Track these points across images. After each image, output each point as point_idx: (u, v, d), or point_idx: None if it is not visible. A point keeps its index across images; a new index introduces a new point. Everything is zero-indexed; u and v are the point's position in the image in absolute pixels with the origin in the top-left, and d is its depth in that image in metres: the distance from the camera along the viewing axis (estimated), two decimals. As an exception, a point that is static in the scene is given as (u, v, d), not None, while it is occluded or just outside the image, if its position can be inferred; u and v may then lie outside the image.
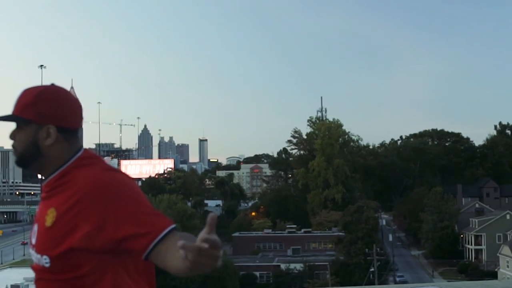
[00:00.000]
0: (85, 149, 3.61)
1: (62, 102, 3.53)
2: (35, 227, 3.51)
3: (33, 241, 3.48)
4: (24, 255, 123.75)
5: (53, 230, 3.34)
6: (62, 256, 3.31)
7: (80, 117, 3.61)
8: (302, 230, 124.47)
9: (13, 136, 3.62)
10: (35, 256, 3.44)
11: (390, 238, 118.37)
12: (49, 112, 3.47)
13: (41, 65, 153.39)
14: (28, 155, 3.55)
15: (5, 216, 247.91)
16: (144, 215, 3.21)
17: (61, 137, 3.49)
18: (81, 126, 3.61)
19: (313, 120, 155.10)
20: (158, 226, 3.16)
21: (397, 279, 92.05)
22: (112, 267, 3.33)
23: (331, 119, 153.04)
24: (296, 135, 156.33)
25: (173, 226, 3.18)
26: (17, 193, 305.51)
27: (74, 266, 3.32)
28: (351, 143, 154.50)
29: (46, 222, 3.39)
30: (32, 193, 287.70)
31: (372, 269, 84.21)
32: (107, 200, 3.24)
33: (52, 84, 3.61)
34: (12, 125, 3.64)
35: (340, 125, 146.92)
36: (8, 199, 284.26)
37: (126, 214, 3.20)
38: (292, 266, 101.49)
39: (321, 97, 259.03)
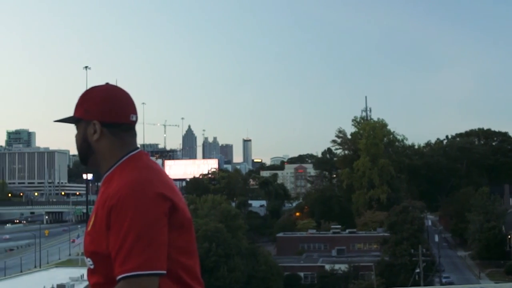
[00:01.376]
0: (140, 150, 3.85)
1: (104, 98, 3.77)
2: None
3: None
4: (70, 254, 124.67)
5: (90, 232, 3.63)
6: (97, 258, 3.58)
7: (124, 111, 3.80)
8: (347, 231, 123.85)
9: (75, 136, 3.91)
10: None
11: (436, 239, 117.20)
12: (92, 108, 3.74)
13: (86, 67, 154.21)
14: (82, 152, 3.87)
15: (47, 217, 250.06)
16: (130, 249, 3.39)
17: (106, 132, 3.76)
18: (128, 121, 3.80)
19: (358, 120, 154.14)
20: (124, 268, 3.39)
21: (443, 280, 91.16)
22: None
23: (375, 119, 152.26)
24: (341, 135, 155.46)
25: (137, 273, 3.36)
26: (63, 193, 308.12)
27: (109, 270, 3.52)
28: (396, 143, 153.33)
29: (89, 224, 3.67)
30: (78, 193, 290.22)
31: (417, 270, 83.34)
32: (119, 215, 3.46)
33: (106, 83, 3.88)
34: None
35: (385, 125, 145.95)
36: (54, 200, 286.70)
37: (120, 237, 3.43)
38: (336, 266, 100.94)
39: (366, 97, 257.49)
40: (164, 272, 3.45)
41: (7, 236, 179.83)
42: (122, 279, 3.39)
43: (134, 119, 3.85)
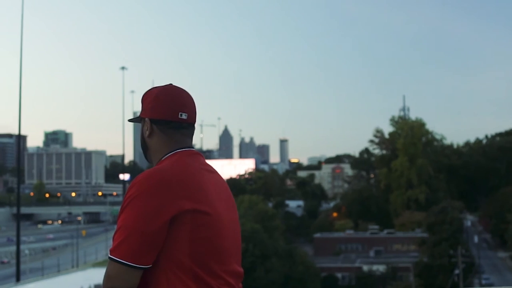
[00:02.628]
0: (186, 149, 3.97)
1: (155, 96, 3.97)
2: None
3: None
4: (107, 254, 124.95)
5: None
6: None
7: (173, 109, 3.92)
8: (385, 231, 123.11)
9: None
10: None
11: (476, 240, 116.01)
12: (146, 106, 4.00)
13: (123, 67, 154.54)
14: (142, 148, 4.12)
15: (79, 217, 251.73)
16: (119, 229, 3.60)
17: (156, 128, 3.95)
18: (177, 119, 3.92)
19: (396, 119, 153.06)
20: (112, 246, 3.61)
21: (483, 281, 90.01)
22: (166, 268, 3.64)
23: (414, 118, 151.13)
24: (378, 135, 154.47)
25: (109, 256, 3.58)
26: (100, 193, 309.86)
27: None
28: (435, 143, 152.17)
29: None
30: (115, 193, 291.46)
31: (456, 272, 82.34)
32: (128, 193, 3.66)
33: (170, 84, 4.09)
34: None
35: (423, 124, 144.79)
36: (91, 200, 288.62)
37: (120, 215, 3.64)
38: (374, 267, 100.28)
39: (404, 96, 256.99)
40: (138, 266, 3.53)
41: (51, 236, 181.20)
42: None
43: (184, 117, 3.94)
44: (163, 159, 3.93)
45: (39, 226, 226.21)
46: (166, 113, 3.93)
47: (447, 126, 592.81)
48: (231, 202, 4.03)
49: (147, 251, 3.54)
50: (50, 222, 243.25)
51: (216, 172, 4.07)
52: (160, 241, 3.58)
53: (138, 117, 4.11)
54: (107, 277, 3.58)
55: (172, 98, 3.96)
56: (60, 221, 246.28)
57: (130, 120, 4.31)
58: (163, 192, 3.59)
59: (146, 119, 3.98)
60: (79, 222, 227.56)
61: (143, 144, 4.08)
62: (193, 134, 4.09)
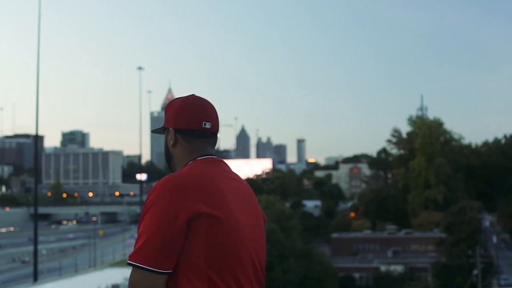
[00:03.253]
0: (208, 157, 4.06)
1: (179, 106, 4.07)
2: None
3: None
4: (124, 254, 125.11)
5: None
6: None
7: (196, 119, 4.03)
8: (403, 231, 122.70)
9: None
10: None
11: (494, 240, 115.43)
12: (170, 116, 4.09)
13: (139, 67, 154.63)
14: (166, 158, 4.20)
15: (95, 218, 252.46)
16: (140, 236, 3.61)
17: (180, 138, 4.05)
18: (201, 128, 4.03)
19: (413, 119, 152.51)
20: (133, 251, 3.61)
21: (502, 282, 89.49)
22: (183, 274, 3.66)
23: (431, 118, 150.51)
24: (396, 134, 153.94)
25: (129, 262, 3.58)
26: (117, 193, 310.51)
27: None
28: (453, 142, 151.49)
29: None
30: (132, 193, 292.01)
31: (475, 272, 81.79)
32: (147, 199, 3.72)
33: (192, 95, 4.15)
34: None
35: (441, 124, 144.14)
36: (108, 200, 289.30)
37: (141, 222, 3.68)
38: (392, 268, 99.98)
39: (422, 95, 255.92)
40: (158, 270, 3.54)
41: (71, 235, 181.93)
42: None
43: (207, 126, 4.05)
44: (184, 166, 4.00)
45: (53, 226, 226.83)
46: (190, 123, 4.03)
47: (465, 126, 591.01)
48: (254, 210, 4.12)
49: (167, 255, 3.55)
50: (64, 222, 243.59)
51: (240, 180, 4.16)
52: (179, 245, 3.60)
53: (161, 127, 4.19)
54: (130, 283, 3.58)
55: (195, 108, 4.06)
56: (74, 221, 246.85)
57: (153, 131, 4.37)
58: (180, 195, 3.63)
59: (170, 129, 4.07)
60: (95, 222, 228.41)
61: (167, 153, 4.16)
62: (215, 143, 4.21)
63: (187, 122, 4.03)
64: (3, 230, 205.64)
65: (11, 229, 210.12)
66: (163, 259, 3.54)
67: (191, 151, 4.04)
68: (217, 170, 3.96)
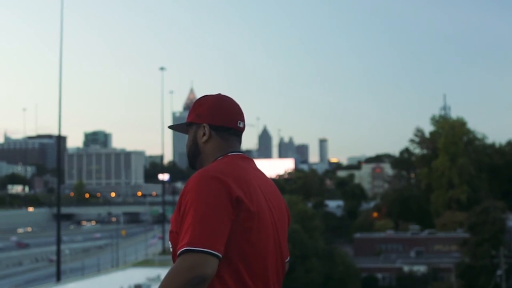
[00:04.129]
0: (238, 153, 4.09)
1: (215, 103, 4.11)
2: None
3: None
4: (146, 254, 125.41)
5: (172, 218, 3.85)
6: (174, 241, 3.79)
7: (232, 117, 4.11)
8: (426, 231, 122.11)
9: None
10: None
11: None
12: (203, 113, 4.10)
13: (162, 68, 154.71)
14: (191, 154, 4.17)
15: (115, 217, 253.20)
16: (187, 227, 3.58)
17: (214, 134, 4.07)
18: (236, 126, 4.11)
19: (436, 118, 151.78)
20: (180, 245, 3.57)
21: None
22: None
23: (455, 117, 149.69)
24: (419, 134, 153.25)
25: (188, 248, 3.51)
26: (139, 193, 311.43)
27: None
28: (476, 142, 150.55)
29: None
30: (154, 193, 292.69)
31: (499, 273, 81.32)
32: (185, 196, 3.69)
33: (218, 94, 4.19)
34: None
35: (464, 123, 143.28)
36: (131, 200, 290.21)
37: (183, 216, 3.66)
38: (415, 268, 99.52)
39: (445, 95, 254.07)
40: (217, 253, 3.52)
41: (98, 235, 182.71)
42: (178, 256, 3.54)
43: (241, 125, 4.15)
44: (215, 160, 4.01)
45: (71, 227, 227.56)
46: (226, 120, 4.08)
47: (489, 125, 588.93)
48: (281, 209, 4.13)
49: (219, 239, 3.56)
50: (84, 223, 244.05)
51: (268, 179, 4.18)
52: (226, 230, 3.62)
53: (181, 124, 4.22)
54: (187, 267, 3.44)
55: (231, 106, 4.14)
56: (93, 222, 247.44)
57: (171, 127, 4.37)
58: (223, 182, 3.68)
59: (205, 124, 4.08)
60: (114, 222, 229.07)
61: (195, 149, 4.15)
62: (241, 142, 4.26)
63: (223, 119, 4.08)
64: (21, 230, 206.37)
65: (29, 229, 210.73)
66: (217, 242, 3.54)
67: (223, 147, 4.07)
68: (249, 166, 4.02)
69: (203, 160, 4.11)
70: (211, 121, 4.07)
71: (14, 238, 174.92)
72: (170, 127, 4.38)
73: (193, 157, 4.17)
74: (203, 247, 3.47)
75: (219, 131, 4.07)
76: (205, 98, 4.17)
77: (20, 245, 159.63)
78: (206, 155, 4.09)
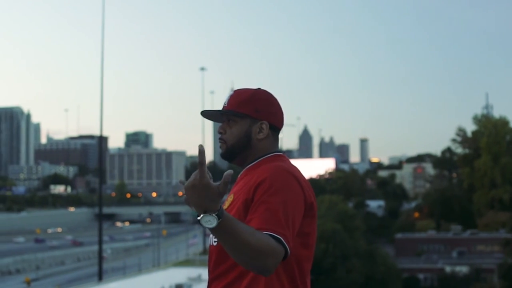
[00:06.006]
0: (280, 153, 4.05)
1: (273, 102, 4.08)
2: None
3: None
4: (187, 254, 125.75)
5: (227, 211, 3.59)
6: None
7: (283, 117, 4.14)
8: (468, 232, 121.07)
9: (223, 129, 4.05)
10: (211, 238, 3.86)
11: None
12: (264, 109, 4.01)
13: (202, 68, 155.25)
14: (238, 147, 4.00)
15: (148, 218, 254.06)
16: (278, 213, 3.51)
17: (270, 133, 4.03)
18: (282, 126, 4.12)
19: (479, 117, 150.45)
20: (273, 226, 3.46)
21: None
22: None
23: (497, 116, 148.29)
24: (461, 133, 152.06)
25: (281, 239, 3.42)
26: (180, 193, 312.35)
27: None
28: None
29: (224, 205, 3.79)
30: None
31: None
32: (264, 189, 3.61)
33: (259, 88, 4.10)
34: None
35: (507, 122, 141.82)
36: (172, 200, 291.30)
37: (263, 206, 3.55)
38: (457, 269, 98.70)
39: (487, 94, 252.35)
40: (288, 251, 3.45)
41: (148, 234, 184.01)
42: (263, 230, 3.42)
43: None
44: (266, 157, 3.98)
45: (117, 224, 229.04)
46: (281, 121, 4.10)
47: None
48: None
49: (292, 239, 3.52)
50: (118, 224, 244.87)
51: None
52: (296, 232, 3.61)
53: (229, 110, 4.04)
54: (271, 251, 3.34)
55: (280, 107, 4.13)
56: (127, 222, 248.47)
57: (205, 113, 4.19)
58: (302, 187, 3.72)
59: (265, 122, 4.00)
60: (148, 223, 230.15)
61: (247, 143, 4.00)
62: None
63: (280, 120, 4.09)
64: (50, 230, 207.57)
65: (59, 230, 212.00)
66: (291, 241, 3.49)
67: (272, 147, 4.04)
68: None
69: (250, 156, 4.02)
70: (271, 120, 4.02)
71: (69, 237, 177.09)
72: (204, 112, 4.20)
73: (239, 149, 4.02)
74: (281, 236, 3.40)
75: (274, 130, 4.05)
76: (259, 92, 4.06)
77: (76, 244, 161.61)
78: (256, 152, 4.01)
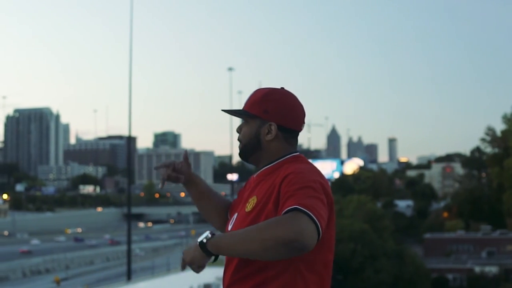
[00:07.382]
0: (300, 154, 3.94)
1: (285, 103, 3.90)
2: (234, 216, 3.95)
3: (229, 227, 3.95)
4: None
5: (250, 214, 3.71)
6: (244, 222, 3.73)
7: (299, 120, 3.94)
8: (497, 232, 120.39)
9: (239, 129, 4.05)
10: None
11: None
12: (273, 110, 3.87)
13: (230, 68, 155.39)
14: (249, 147, 3.96)
15: (171, 218, 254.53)
16: (301, 195, 3.42)
17: (280, 135, 3.89)
18: (300, 129, 3.95)
19: (508, 116, 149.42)
20: (297, 201, 3.36)
21: None
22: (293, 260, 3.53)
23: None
24: (490, 133, 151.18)
25: (308, 212, 3.29)
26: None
27: None
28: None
29: (246, 208, 3.77)
30: (223, 193, 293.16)
31: None
32: (290, 184, 3.52)
33: (282, 88, 3.98)
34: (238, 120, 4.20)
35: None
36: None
37: (290, 191, 3.46)
38: (486, 269, 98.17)
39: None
40: (320, 233, 3.29)
41: (183, 233, 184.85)
42: (289, 211, 3.32)
43: (303, 128, 4.00)
44: (284, 158, 3.88)
45: (141, 225, 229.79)
46: (294, 124, 3.92)
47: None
48: None
49: (324, 223, 3.41)
50: (141, 224, 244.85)
51: None
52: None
53: (242, 111, 4.01)
54: (298, 227, 3.21)
55: (298, 108, 3.94)
56: (150, 223, 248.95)
57: (226, 111, 4.20)
58: (322, 185, 3.59)
59: (273, 124, 3.88)
60: (172, 224, 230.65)
61: (257, 144, 3.94)
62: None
63: (292, 123, 3.91)
64: (69, 231, 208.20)
65: (79, 230, 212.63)
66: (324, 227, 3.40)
67: (286, 149, 3.90)
68: None
69: (262, 158, 3.94)
70: (280, 122, 3.87)
71: (107, 236, 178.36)
72: (224, 110, 4.19)
73: (251, 150, 3.97)
74: (313, 214, 3.29)
75: (285, 133, 3.90)
76: (275, 93, 3.92)
77: (113, 243, 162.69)
78: (267, 153, 3.92)
